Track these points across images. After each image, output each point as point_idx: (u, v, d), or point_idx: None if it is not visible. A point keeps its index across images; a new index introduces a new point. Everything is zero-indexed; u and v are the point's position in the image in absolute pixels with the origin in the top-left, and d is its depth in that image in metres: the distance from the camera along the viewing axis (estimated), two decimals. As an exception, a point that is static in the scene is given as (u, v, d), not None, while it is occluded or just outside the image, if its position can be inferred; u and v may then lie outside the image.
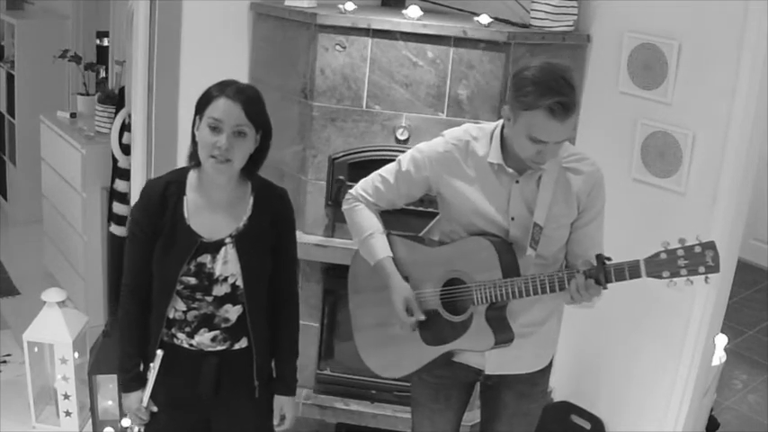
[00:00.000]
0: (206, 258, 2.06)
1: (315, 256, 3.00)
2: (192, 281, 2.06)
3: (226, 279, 2.07)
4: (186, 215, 2.07)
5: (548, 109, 1.86)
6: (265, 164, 3.25)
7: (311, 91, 2.94)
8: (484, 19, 2.90)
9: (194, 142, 2.05)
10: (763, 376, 4.28)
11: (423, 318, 2.14)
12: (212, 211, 2.09)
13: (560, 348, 3.37)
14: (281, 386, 2.23)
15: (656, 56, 2.86)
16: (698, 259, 1.81)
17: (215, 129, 1.97)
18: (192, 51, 3.17)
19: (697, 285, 2.78)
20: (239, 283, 2.08)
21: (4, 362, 3.72)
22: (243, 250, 2.07)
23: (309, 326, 3.15)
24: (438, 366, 2.22)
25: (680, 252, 1.82)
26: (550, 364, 2.29)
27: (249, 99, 2.01)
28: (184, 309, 2.09)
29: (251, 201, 2.11)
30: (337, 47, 2.89)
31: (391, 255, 2.20)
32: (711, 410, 3.44)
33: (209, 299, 2.08)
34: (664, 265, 1.84)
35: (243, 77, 3.25)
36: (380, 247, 2.21)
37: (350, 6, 2.92)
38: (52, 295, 3.24)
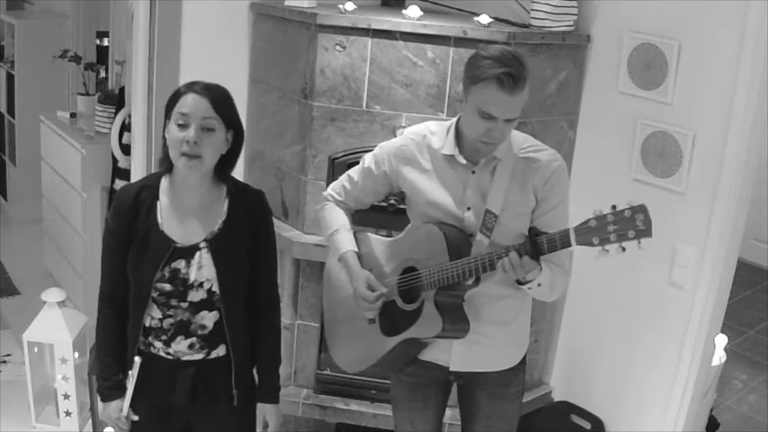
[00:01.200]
0: (180, 264, 2.03)
1: (315, 256, 3.00)
2: (167, 287, 2.03)
3: (201, 284, 2.04)
4: (160, 220, 2.04)
5: (496, 79, 1.90)
6: (266, 164, 3.27)
7: (311, 91, 2.94)
8: (484, 19, 2.90)
9: (165, 146, 2.02)
10: (763, 376, 4.28)
11: (385, 290, 2.16)
12: (186, 216, 2.05)
13: (560, 348, 3.39)
14: (263, 394, 2.21)
15: (656, 56, 2.86)
16: (628, 224, 1.75)
17: (183, 125, 1.95)
18: (191, 51, 3.17)
19: (697, 285, 2.81)
20: (215, 288, 2.04)
21: (4, 362, 3.72)
22: (218, 255, 2.04)
23: (309, 326, 3.15)
24: (402, 361, 2.23)
25: (609, 218, 1.78)
26: (523, 363, 2.29)
27: (217, 94, 1.99)
28: (160, 316, 2.06)
29: (226, 204, 2.08)
30: (337, 47, 2.89)
31: (355, 249, 2.23)
32: (711, 410, 3.44)
33: (185, 305, 2.05)
34: (593, 231, 1.79)
35: (243, 77, 3.26)
36: (344, 242, 2.25)
37: (350, 6, 2.92)
38: (52, 295, 3.25)
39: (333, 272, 2.38)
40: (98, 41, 4.98)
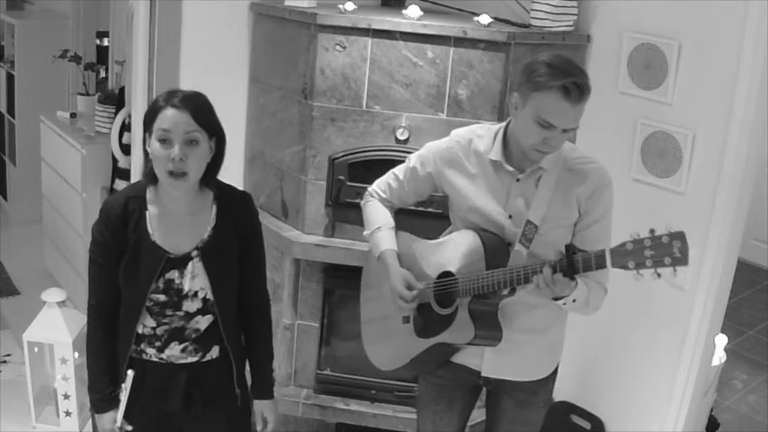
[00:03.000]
0: (174, 274, 2.01)
1: (315, 256, 3.00)
2: (162, 298, 2.01)
3: (196, 294, 2.02)
4: (150, 230, 2.01)
5: (562, 89, 1.87)
6: (266, 164, 3.27)
7: (311, 91, 2.94)
8: (484, 19, 2.90)
9: (148, 159, 1.99)
10: (763, 376, 4.28)
11: (422, 287, 2.15)
12: (175, 225, 2.03)
13: (560, 348, 3.39)
14: (259, 390, 2.21)
15: (656, 56, 2.86)
16: (664, 250, 1.73)
17: (165, 141, 1.90)
18: (192, 51, 3.17)
19: (697, 285, 2.81)
20: (209, 296, 2.03)
21: (4, 362, 3.72)
22: (210, 262, 2.02)
23: (309, 326, 3.15)
24: (434, 364, 2.23)
25: (647, 242, 1.75)
26: (554, 373, 2.27)
27: (197, 106, 1.94)
28: (154, 324, 2.04)
29: (214, 210, 2.06)
30: (337, 47, 2.89)
31: (395, 248, 2.23)
32: (711, 410, 3.44)
33: (180, 314, 2.04)
34: (629, 255, 1.77)
35: (243, 77, 3.26)
36: (385, 240, 2.24)
37: (350, 6, 2.92)
38: (52, 295, 3.24)
39: (370, 270, 2.39)
40: (98, 41, 4.98)
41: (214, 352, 2.10)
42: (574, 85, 1.88)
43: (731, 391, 4.09)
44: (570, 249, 1.86)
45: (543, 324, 2.17)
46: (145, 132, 1.97)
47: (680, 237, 1.72)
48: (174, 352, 2.06)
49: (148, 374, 2.08)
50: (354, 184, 2.91)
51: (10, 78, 5.34)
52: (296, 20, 2.96)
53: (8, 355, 3.77)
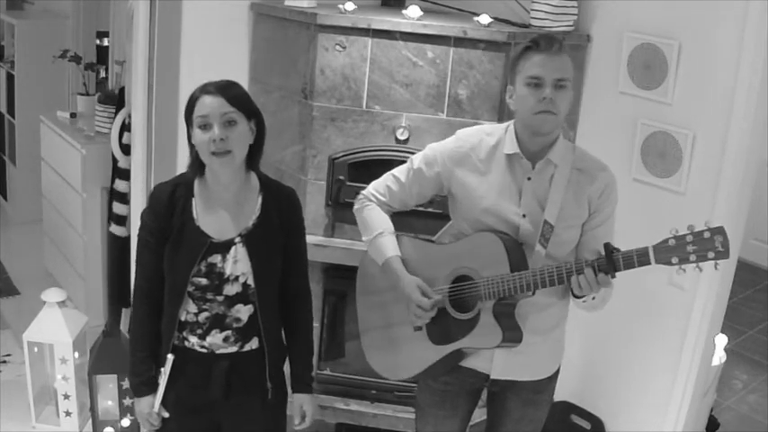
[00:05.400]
0: (216, 258, 2.06)
1: (315, 256, 2.99)
2: (203, 281, 2.06)
3: (237, 278, 2.07)
4: (195, 216, 2.08)
5: (532, 44, 1.99)
6: (266, 164, 3.26)
7: (311, 91, 2.94)
8: (484, 19, 2.90)
9: (193, 153, 2.06)
10: (763, 376, 4.28)
11: (439, 297, 2.12)
12: (221, 212, 2.09)
13: (560, 348, 3.39)
14: (299, 384, 2.24)
15: (656, 56, 2.86)
16: (707, 245, 1.79)
17: (205, 126, 1.99)
18: (192, 52, 3.17)
19: (697, 285, 2.81)
20: (250, 281, 2.08)
21: (4, 362, 3.72)
22: (253, 249, 2.08)
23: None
24: (445, 369, 2.21)
25: (689, 238, 1.80)
26: (557, 372, 2.28)
27: (231, 90, 2.03)
28: (195, 311, 2.09)
29: (259, 200, 2.12)
30: (337, 47, 2.89)
31: (400, 254, 2.20)
32: (711, 410, 3.44)
33: (221, 299, 2.08)
34: (673, 251, 1.82)
35: (243, 77, 3.25)
36: (389, 246, 2.21)
37: (350, 6, 2.92)
38: (52, 295, 3.24)
39: (368, 276, 2.34)
40: (98, 41, 4.98)
41: (254, 343, 2.14)
42: (540, 36, 2.00)
43: (731, 391, 4.09)
44: (609, 248, 1.89)
45: (551, 324, 2.18)
46: (187, 128, 2.05)
47: (721, 231, 1.79)
48: (215, 340, 2.10)
49: (190, 363, 2.12)
50: (354, 184, 2.91)
51: (10, 78, 5.34)
52: (296, 20, 2.96)
53: (8, 355, 3.77)
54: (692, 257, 1.81)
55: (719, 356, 3.26)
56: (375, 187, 2.28)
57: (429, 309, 2.11)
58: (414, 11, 2.89)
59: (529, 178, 2.06)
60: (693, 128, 2.79)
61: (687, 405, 2.91)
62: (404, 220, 2.39)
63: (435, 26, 2.84)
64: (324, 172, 2.99)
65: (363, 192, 2.30)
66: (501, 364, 2.16)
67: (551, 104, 1.97)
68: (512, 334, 2.06)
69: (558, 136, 2.08)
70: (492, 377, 2.18)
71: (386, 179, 2.27)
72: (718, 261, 1.80)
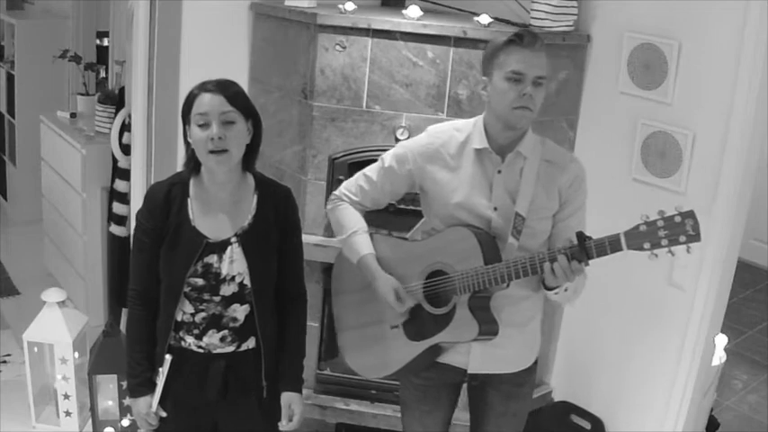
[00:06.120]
0: (212, 258, 2.06)
1: (315, 256, 3.00)
2: (200, 282, 2.06)
3: (233, 278, 2.07)
4: (191, 216, 2.07)
5: (515, 37, 2.00)
6: (265, 164, 3.27)
7: (311, 91, 2.94)
8: (484, 19, 2.90)
9: (189, 150, 2.06)
10: (763, 376, 4.28)
11: (413, 303, 2.14)
12: (216, 211, 2.09)
13: (560, 348, 3.39)
14: (288, 383, 2.23)
15: (656, 56, 2.86)
16: (678, 229, 1.80)
17: (204, 125, 1.98)
18: (191, 51, 3.17)
19: (697, 285, 2.81)
20: (246, 281, 2.08)
21: (4, 362, 3.72)
22: (249, 249, 2.08)
23: (309, 326, 3.12)
24: (424, 366, 2.22)
25: (660, 223, 1.82)
26: (535, 364, 2.30)
27: (230, 89, 2.02)
28: (192, 311, 2.09)
29: (255, 199, 2.11)
30: (337, 47, 2.89)
31: (374, 252, 2.21)
32: (711, 410, 3.44)
33: (217, 299, 2.08)
34: (644, 236, 1.83)
35: (243, 77, 3.26)
36: (363, 244, 2.22)
37: (350, 6, 2.92)
38: (52, 295, 3.24)
39: (343, 275, 2.35)
40: (98, 41, 4.98)
41: (250, 342, 2.14)
42: (523, 31, 2.01)
43: (731, 391, 4.09)
44: (582, 236, 1.90)
45: (526, 316, 2.19)
46: (184, 125, 2.05)
47: (691, 215, 1.79)
48: (212, 340, 2.10)
49: (187, 363, 2.12)
50: (354, 184, 2.91)
51: (10, 78, 5.34)
52: (296, 20, 2.96)
53: (8, 355, 3.76)
54: (664, 242, 1.81)
55: (719, 356, 3.26)
56: (347, 187, 2.29)
57: (403, 312, 2.14)
58: (414, 11, 2.90)
59: (499, 171, 2.08)
60: (693, 128, 2.79)
61: (687, 405, 2.91)
62: (382, 216, 2.40)
63: (435, 26, 2.84)
64: (324, 172, 2.99)
65: (336, 192, 2.31)
66: (478, 358, 2.18)
67: (530, 101, 1.99)
68: (488, 327, 2.08)
69: (528, 129, 2.10)
70: (469, 371, 2.20)
71: (357, 178, 2.28)
72: (690, 245, 1.80)
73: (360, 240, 2.22)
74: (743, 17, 2.60)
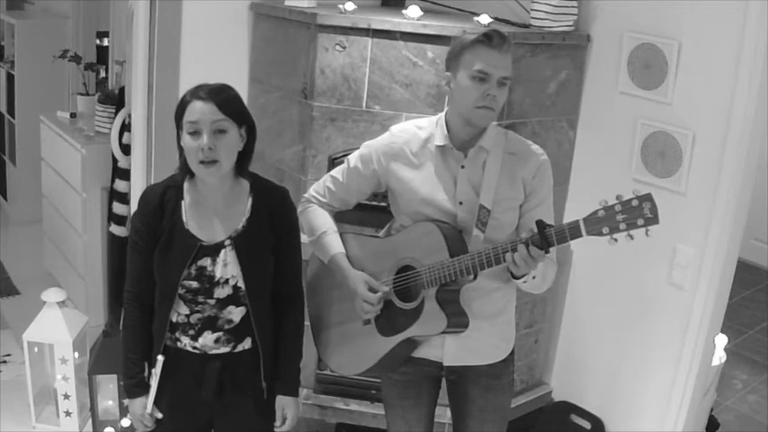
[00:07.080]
0: (206, 262, 2.06)
1: (315, 256, 3.00)
2: (194, 284, 2.06)
3: (227, 281, 2.07)
4: (185, 219, 2.07)
5: (484, 37, 2.00)
6: (265, 164, 3.27)
7: (311, 91, 2.94)
8: (484, 19, 2.90)
9: (182, 155, 2.06)
10: (763, 376, 4.28)
11: (386, 290, 2.16)
12: (210, 214, 2.09)
13: (560, 348, 3.39)
14: (283, 386, 2.23)
15: (656, 56, 2.86)
16: (636, 212, 1.81)
17: (195, 133, 1.97)
18: (191, 51, 3.17)
19: (697, 285, 2.81)
20: (241, 284, 2.08)
21: (4, 362, 3.72)
22: (242, 252, 2.07)
23: (309, 326, 3.15)
24: (399, 361, 2.24)
25: (618, 207, 1.82)
26: (512, 355, 2.31)
27: (222, 96, 2.00)
28: (187, 312, 2.09)
29: (249, 202, 2.11)
30: (337, 47, 2.89)
31: (344, 251, 2.24)
32: (711, 410, 3.44)
33: (212, 302, 2.08)
34: (603, 221, 1.84)
35: (243, 77, 3.26)
36: (333, 244, 2.24)
37: (350, 6, 2.92)
38: (52, 295, 3.24)
39: (316, 275, 2.38)
40: (98, 41, 4.98)
41: (246, 343, 2.14)
42: (492, 32, 2.01)
43: (731, 391, 4.09)
44: (541, 224, 1.91)
45: (497, 308, 2.21)
46: (177, 130, 2.04)
47: (648, 198, 1.80)
48: (207, 341, 2.10)
49: (182, 363, 2.12)
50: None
51: (10, 78, 5.34)
52: (296, 20, 2.96)
53: (8, 355, 3.77)
54: (623, 226, 1.82)
55: (719, 356, 3.26)
56: (315, 189, 2.33)
57: (376, 303, 2.16)
58: (414, 11, 2.89)
59: (462, 167, 2.10)
60: (693, 128, 2.79)
61: (687, 405, 2.91)
62: (355, 215, 2.41)
63: (435, 26, 2.84)
64: (324, 172, 2.98)
65: (305, 194, 2.35)
66: (452, 350, 2.19)
67: (493, 101, 2.02)
68: (457, 319, 2.09)
69: (489, 124, 2.12)
70: (445, 364, 2.22)
71: (325, 180, 2.32)
72: (648, 228, 1.80)
73: (329, 240, 2.25)
74: (743, 17, 2.60)
